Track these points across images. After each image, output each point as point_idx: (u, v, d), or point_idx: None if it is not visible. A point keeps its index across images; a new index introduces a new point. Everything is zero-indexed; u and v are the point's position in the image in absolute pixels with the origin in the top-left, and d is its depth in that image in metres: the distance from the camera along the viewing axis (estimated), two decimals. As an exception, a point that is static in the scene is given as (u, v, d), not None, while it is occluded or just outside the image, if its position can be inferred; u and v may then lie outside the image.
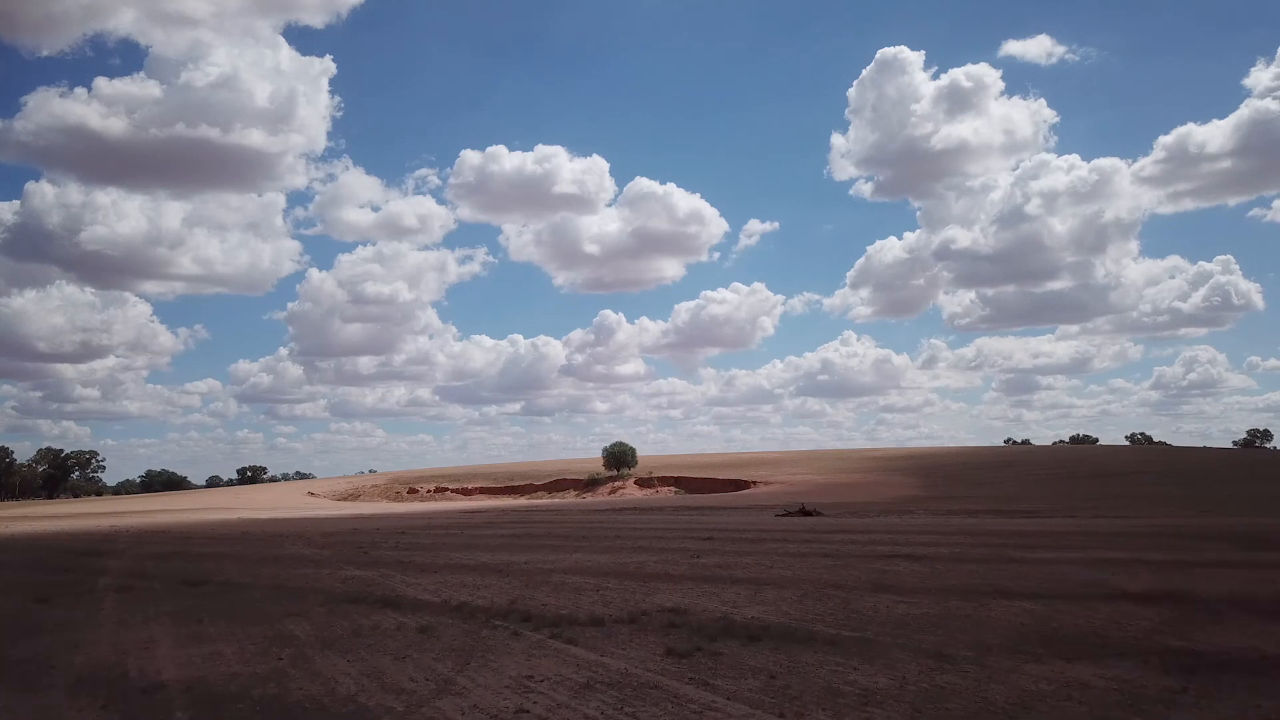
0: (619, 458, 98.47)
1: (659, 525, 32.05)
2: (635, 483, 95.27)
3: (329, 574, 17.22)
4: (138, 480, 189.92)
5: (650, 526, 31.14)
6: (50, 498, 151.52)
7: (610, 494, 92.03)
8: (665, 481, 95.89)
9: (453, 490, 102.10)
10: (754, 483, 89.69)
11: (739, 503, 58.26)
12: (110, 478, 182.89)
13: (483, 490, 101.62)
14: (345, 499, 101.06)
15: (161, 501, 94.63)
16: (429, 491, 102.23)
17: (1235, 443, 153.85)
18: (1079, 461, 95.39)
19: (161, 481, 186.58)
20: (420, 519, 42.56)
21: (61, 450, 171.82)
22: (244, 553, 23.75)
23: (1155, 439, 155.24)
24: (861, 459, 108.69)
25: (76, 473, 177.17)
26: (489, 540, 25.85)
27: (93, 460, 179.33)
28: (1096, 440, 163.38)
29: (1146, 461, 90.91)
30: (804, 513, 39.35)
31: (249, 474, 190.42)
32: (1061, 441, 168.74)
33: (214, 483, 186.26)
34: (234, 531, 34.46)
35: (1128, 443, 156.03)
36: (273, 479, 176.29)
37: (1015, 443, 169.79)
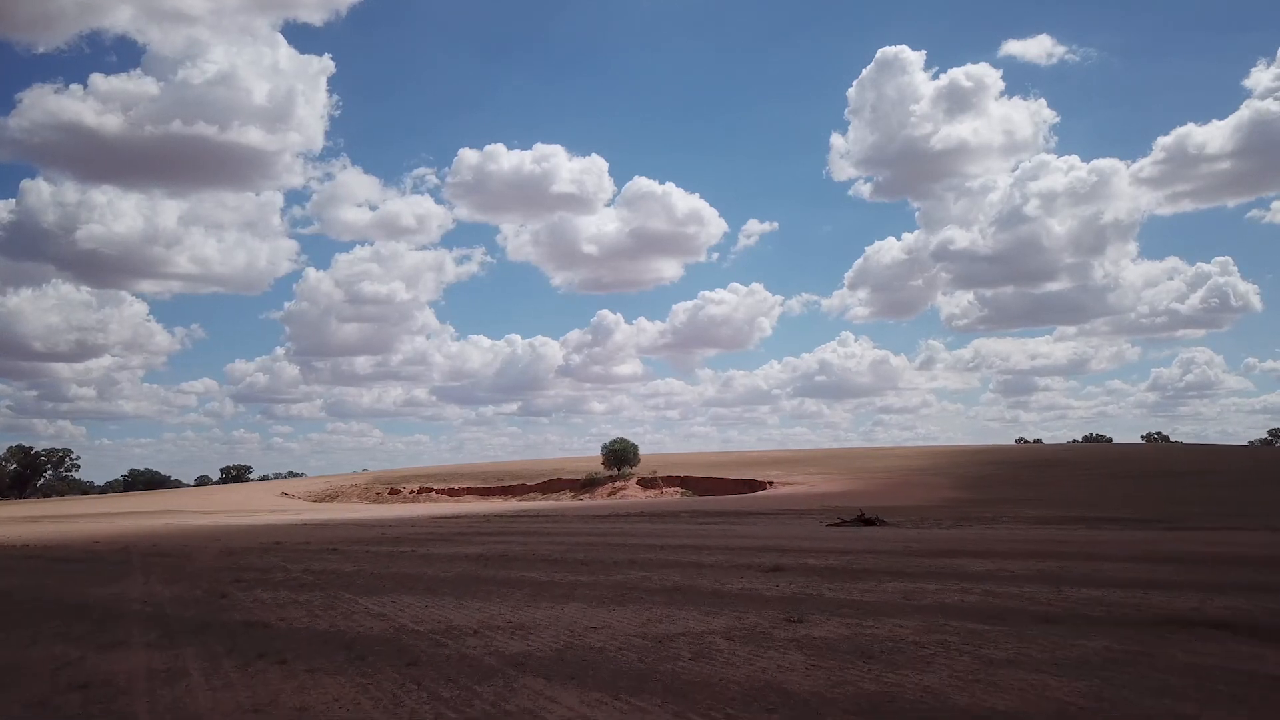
0: (620, 455, 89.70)
1: (686, 540, 23.32)
2: (638, 483, 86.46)
3: (77, 661, 8.48)
4: (121, 480, 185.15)
5: (675, 543, 22.38)
6: (20, 497, 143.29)
7: (610, 495, 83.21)
8: (670, 482, 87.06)
9: (437, 491, 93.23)
10: (769, 483, 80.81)
11: (763, 506, 49.46)
12: (102, 476, 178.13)
13: (470, 491, 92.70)
14: (321, 500, 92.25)
15: (117, 503, 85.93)
16: (411, 492, 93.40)
17: (1253, 442, 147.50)
18: (1126, 460, 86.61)
19: (144, 481, 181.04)
20: (376, 528, 33.78)
21: (31, 448, 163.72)
22: (59, 593, 15.02)
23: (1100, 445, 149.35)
24: (876, 458, 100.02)
25: (50, 471, 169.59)
26: (441, 568, 17.11)
27: (66, 458, 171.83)
28: (1111, 439, 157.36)
29: (1199, 460, 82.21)
30: (864, 521, 30.67)
31: (233, 473, 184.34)
32: (1075, 441, 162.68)
33: (203, 482, 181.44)
34: (113, 547, 25.70)
35: (1143, 441, 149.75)
36: (264, 478, 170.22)
37: (1026, 442, 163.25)
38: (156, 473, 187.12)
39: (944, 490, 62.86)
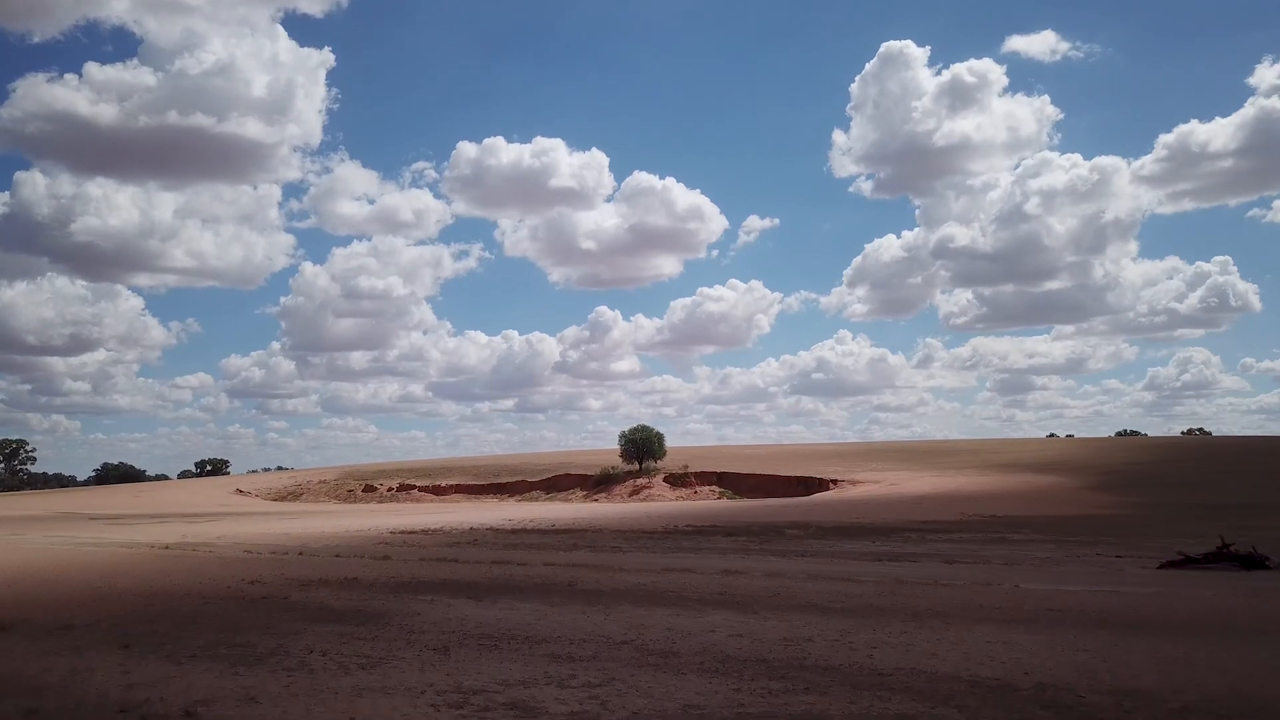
0: (642, 446, 73.81)
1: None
2: (665, 480, 70.66)
3: None
4: (94, 473, 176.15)
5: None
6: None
7: (633, 495, 67.38)
8: (704, 479, 71.10)
9: (420, 488, 77.32)
10: (833, 481, 64.97)
11: (886, 518, 33.47)
12: (84, 472, 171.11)
13: (459, 489, 76.69)
14: (282, 499, 76.42)
15: (22, 503, 70.33)
16: (389, 490, 77.51)
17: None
18: (1262, 454, 70.85)
19: (117, 475, 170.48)
20: (266, 564, 17.81)
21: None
22: None
23: (1146, 439, 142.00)
24: (926, 453, 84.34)
25: (2, 464, 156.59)
26: None
27: (21, 450, 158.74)
28: (1146, 434, 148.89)
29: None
30: (1238, 561, 15.02)
31: (208, 467, 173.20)
32: (1110, 435, 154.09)
33: (185, 476, 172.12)
34: None
35: (1183, 436, 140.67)
36: (251, 471, 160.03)
37: (1056, 436, 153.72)
38: (131, 466, 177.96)
39: (1093, 492, 47.18)
